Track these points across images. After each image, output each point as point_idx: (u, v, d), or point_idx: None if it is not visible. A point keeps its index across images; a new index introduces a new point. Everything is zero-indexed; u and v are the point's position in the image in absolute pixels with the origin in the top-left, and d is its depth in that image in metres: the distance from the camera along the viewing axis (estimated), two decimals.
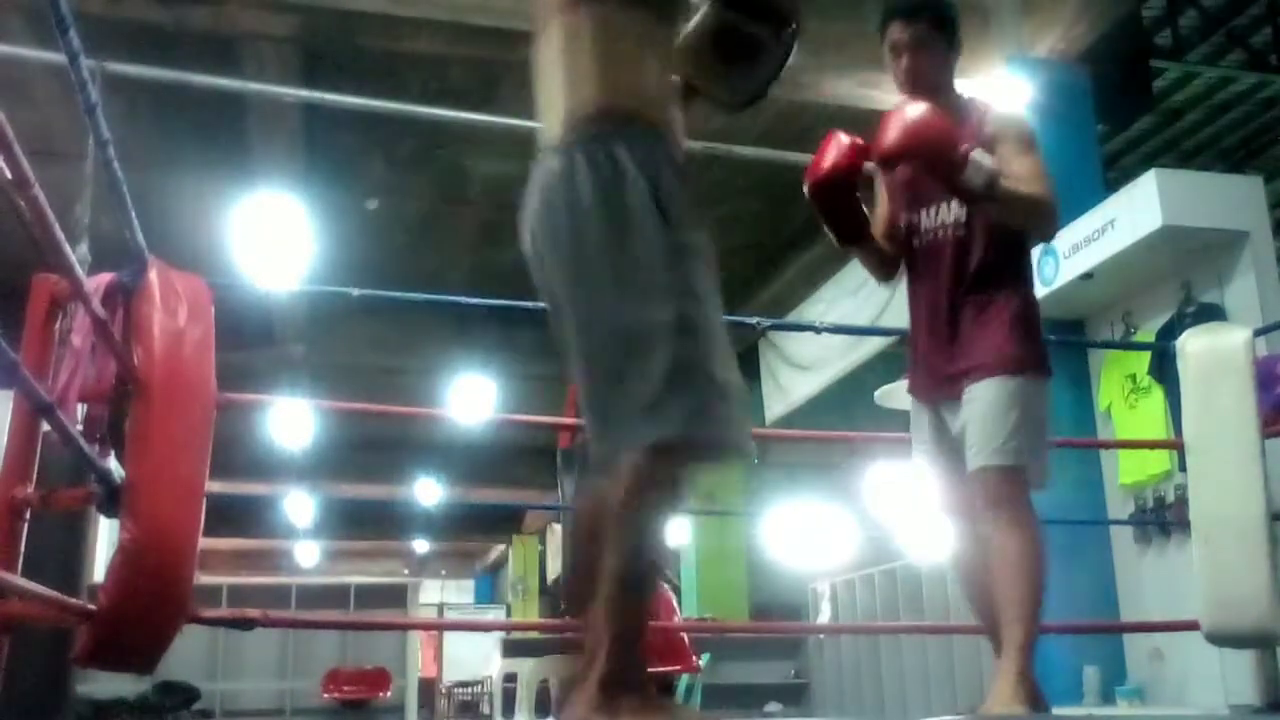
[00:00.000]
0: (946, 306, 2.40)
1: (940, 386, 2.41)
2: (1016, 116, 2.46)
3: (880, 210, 2.57)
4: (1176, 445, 3.57)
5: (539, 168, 1.73)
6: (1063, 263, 5.53)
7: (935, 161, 2.22)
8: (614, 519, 1.57)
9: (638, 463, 1.56)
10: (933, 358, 2.43)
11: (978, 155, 2.19)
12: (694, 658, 5.13)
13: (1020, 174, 2.29)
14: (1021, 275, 2.46)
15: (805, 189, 2.41)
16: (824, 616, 9.45)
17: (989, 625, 2.42)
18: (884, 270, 2.62)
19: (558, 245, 1.68)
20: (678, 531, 10.24)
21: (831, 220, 2.45)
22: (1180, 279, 5.40)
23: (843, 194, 2.39)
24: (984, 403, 2.29)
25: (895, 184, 2.51)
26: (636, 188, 1.63)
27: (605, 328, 1.63)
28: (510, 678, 7.82)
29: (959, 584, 2.56)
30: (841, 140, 2.36)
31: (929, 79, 2.41)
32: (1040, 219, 2.35)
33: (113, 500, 2.07)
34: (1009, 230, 2.36)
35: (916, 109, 2.23)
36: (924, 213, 2.46)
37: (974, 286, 2.38)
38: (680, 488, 1.64)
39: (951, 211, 2.41)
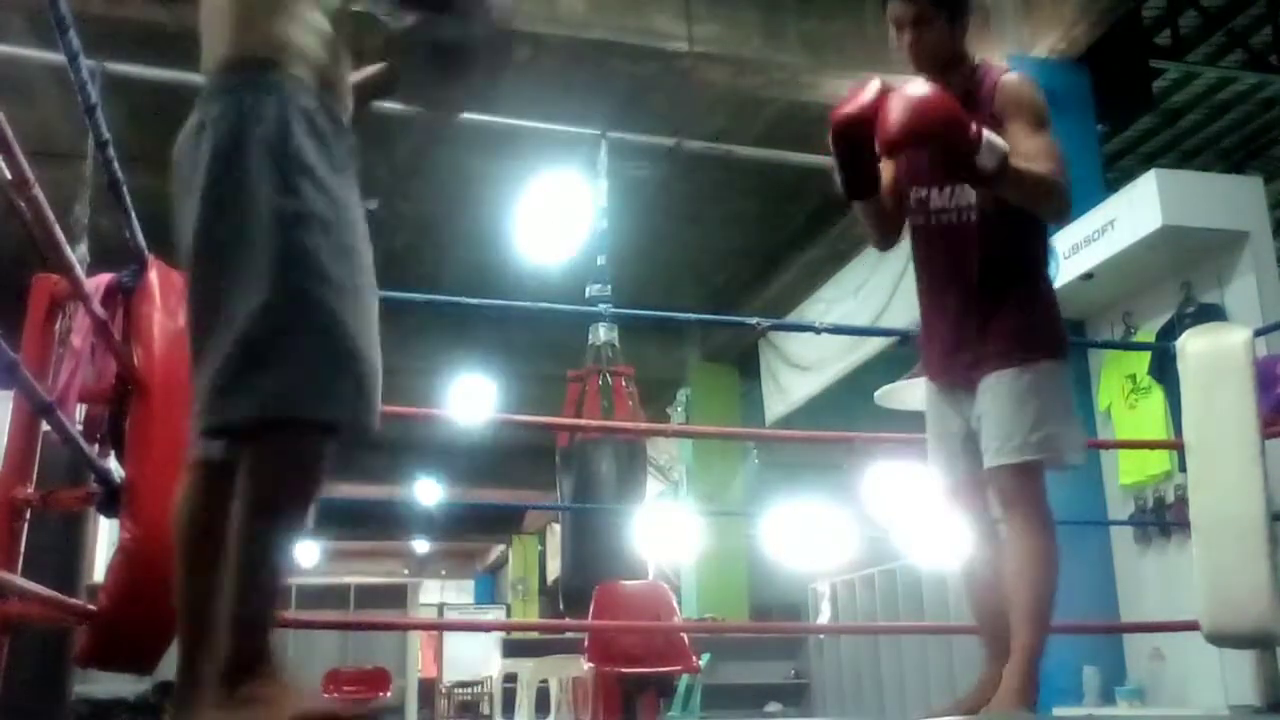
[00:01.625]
0: (962, 291, 2.36)
1: (956, 373, 2.38)
2: (1028, 90, 2.39)
3: (886, 178, 2.47)
4: (1176, 445, 3.57)
5: (193, 115, 1.62)
6: (1063, 263, 5.53)
7: (942, 146, 2.15)
8: (241, 506, 1.48)
9: (253, 451, 1.48)
10: (948, 344, 2.39)
11: (989, 137, 2.12)
12: (694, 658, 5.12)
13: (1030, 152, 2.23)
14: (1038, 258, 2.42)
15: (829, 131, 2.31)
16: (824, 616, 9.45)
17: (987, 624, 2.41)
18: (885, 234, 2.53)
19: (184, 197, 1.58)
20: (678, 531, 10.24)
21: (846, 169, 2.35)
22: (1180, 279, 5.40)
23: (864, 144, 2.27)
24: (1001, 396, 2.26)
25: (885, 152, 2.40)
26: (257, 147, 1.52)
27: (200, 291, 1.55)
28: (510, 678, 7.83)
29: (963, 581, 2.55)
30: (874, 86, 2.26)
31: (933, 55, 2.36)
32: (1051, 200, 2.27)
33: (113, 500, 2.07)
34: (1024, 212, 2.30)
35: (920, 90, 2.16)
36: (935, 190, 2.40)
37: (990, 271, 2.34)
38: (300, 466, 1.52)
39: (966, 193, 2.35)
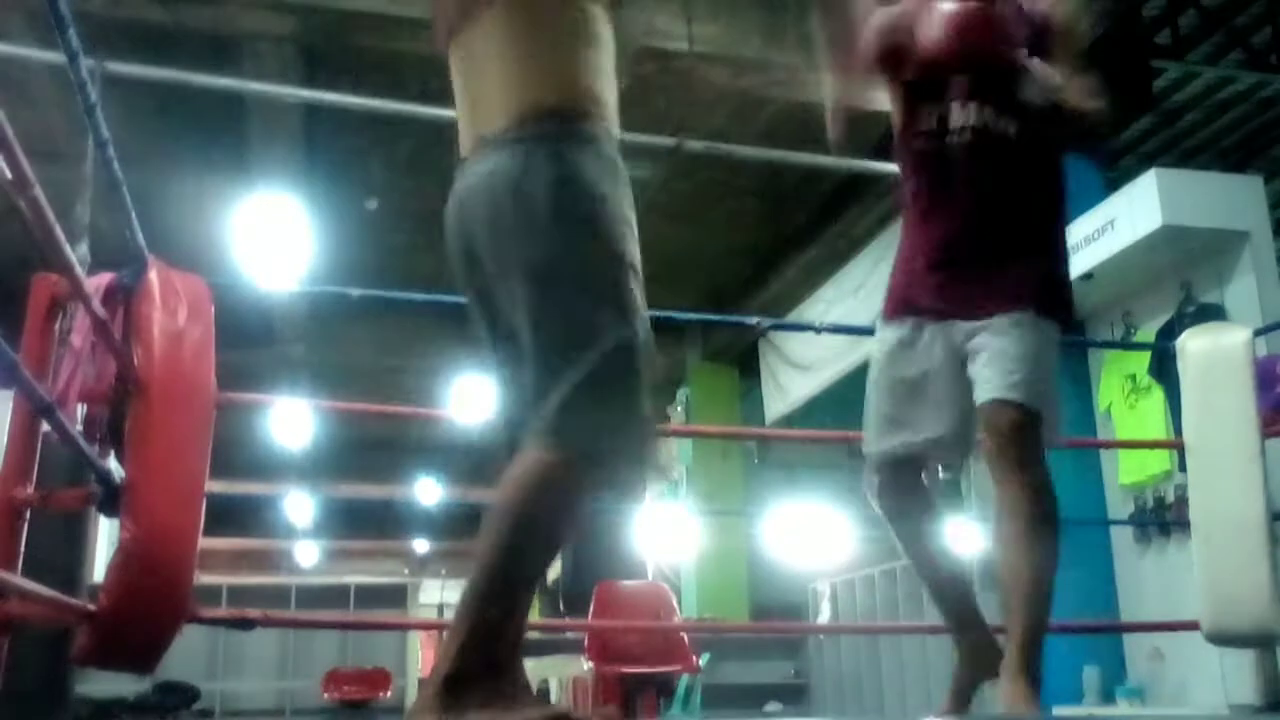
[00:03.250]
0: (977, 216, 2.18)
1: (954, 299, 2.19)
2: (1074, 10, 2.20)
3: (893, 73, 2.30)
4: (1176, 445, 3.57)
5: (479, 161, 1.66)
6: None
7: (992, 70, 2.04)
8: (503, 512, 1.55)
9: (548, 463, 1.53)
10: (954, 270, 2.20)
11: (1035, 66, 2.03)
12: (694, 658, 5.13)
13: (1075, 82, 2.10)
14: (1061, 199, 2.27)
15: None
16: (824, 616, 9.45)
17: (953, 611, 2.30)
18: (845, 124, 2.35)
19: (505, 241, 1.62)
20: (678, 531, 10.24)
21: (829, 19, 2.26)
22: (1180, 279, 5.40)
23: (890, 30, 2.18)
24: (1015, 337, 2.07)
25: (920, 72, 2.23)
26: (586, 193, 1.59)
27: (556, 326, 1.58)
28: None
29: (917, 573, 2.35)
30: None
31: None
32: (1088, 132, 2.17)
33: (113, 500, 2.07)
34: (1050, 142, 2.18)
35: (970, 9, 2.06)
36: (956, 105, 2.20)
37: (1013, 204, 2.18)
38: (579, 501, 1.60)
39: (988, 111, 2.17)
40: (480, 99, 1.69)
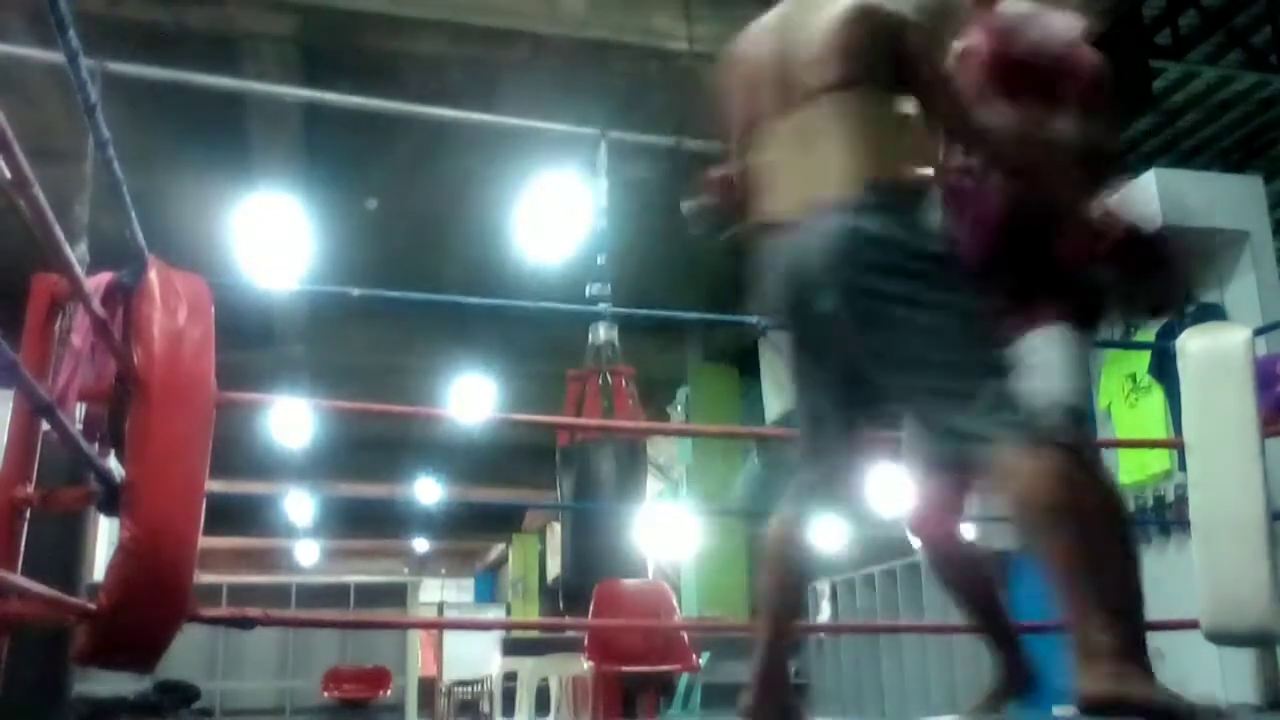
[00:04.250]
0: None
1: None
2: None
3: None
4: (1176, 445, 3.57)
5: (822, 223, 1.86)
6: None
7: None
8: (1046, 513, 1.69)
9: (1047, 458, 1.69)
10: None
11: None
12: (694, 657, 5.12)
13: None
14: None
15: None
16: (824, 616, 9.45)
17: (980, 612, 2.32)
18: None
19: (866, 297, 1.83)
20: (678, 531, 10.25)
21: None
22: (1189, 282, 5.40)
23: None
24: (1059, 350, 2.15)
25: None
26: (931, 258, 1.85)
27: (949, 365, 1.80)
28: (510, 676, 7.82)
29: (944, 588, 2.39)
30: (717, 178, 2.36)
31: None
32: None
33: (113, 500, 2.07)
34: None
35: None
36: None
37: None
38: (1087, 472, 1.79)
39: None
40: (806, 170, 1.94)
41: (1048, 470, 1.68)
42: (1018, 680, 2.27)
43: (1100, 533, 1.72)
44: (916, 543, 2.39)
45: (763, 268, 2.04)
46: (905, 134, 1.96)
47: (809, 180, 1.93)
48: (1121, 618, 1.68)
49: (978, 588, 2.31)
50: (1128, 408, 5.65)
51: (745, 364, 10.55)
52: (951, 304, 1.83)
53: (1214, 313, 5.10)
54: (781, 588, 2.08)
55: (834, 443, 2.02)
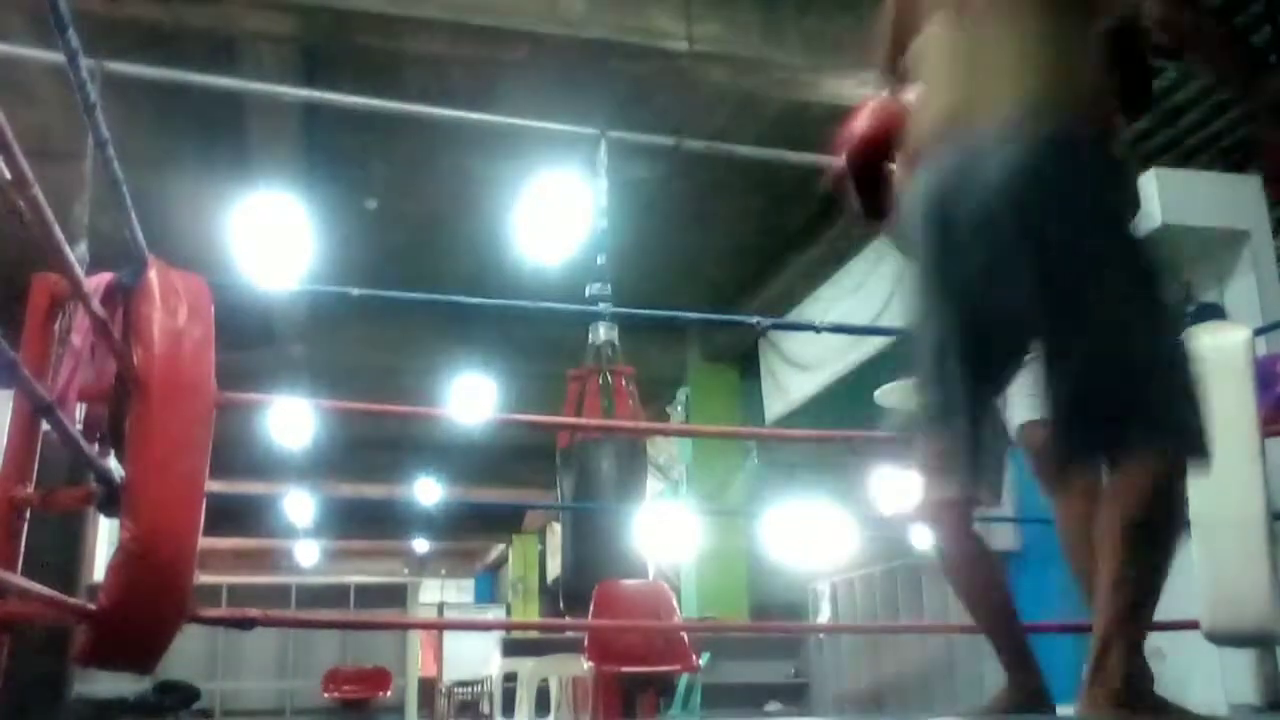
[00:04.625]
0: None
1: None
2: None
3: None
4: None
5: (1006, 143, 1.69)
6: None
7: None
8: (1133, 526, 1.62)
9: (1158, 470, 1.61)
10: None
11: None
12: (694, 657, 5.12)
13: None
14: None
15: (846, 159, 2.25)
16: (824, 616, 9.46)
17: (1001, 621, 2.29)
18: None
19: (1057, 227, 1.65)
20: (678, 531, 10.25)
21: (865, 194, 2.25)
22: (1180, 278, 5.40)
23: (879, 164, 2.21)
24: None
25: None
26: (1131, 197, 1.75)
27: (1139, 329, 1.65)
28: (510, 677, 7.83)
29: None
30: (879, 103, 2.25)
31: None
32: None
33: (113, 500, 2.07)
34: None
35: None
36: None
37: None
38: (1184, 500, 1.71)
39: None
40: (984, 85, 1.79)
41: (1179, 491, 1.64)
42: (1027, 691, 2.20)
43: (1171, 560, 1.70)
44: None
45: (928, 185, 1.81)
46: (1095, 60, 1.85)
47: (985, 92, 1.77)
48: (1144, 638, 1.69)
49: (992, 590, 2.19)
50: None
51: (745, 364, 10.55)
52: (1153, 265, 1.66)
53: (1214, 312, 5.09)
54: (989, 586, 1.96)
55: (976, 400, 1.73)
